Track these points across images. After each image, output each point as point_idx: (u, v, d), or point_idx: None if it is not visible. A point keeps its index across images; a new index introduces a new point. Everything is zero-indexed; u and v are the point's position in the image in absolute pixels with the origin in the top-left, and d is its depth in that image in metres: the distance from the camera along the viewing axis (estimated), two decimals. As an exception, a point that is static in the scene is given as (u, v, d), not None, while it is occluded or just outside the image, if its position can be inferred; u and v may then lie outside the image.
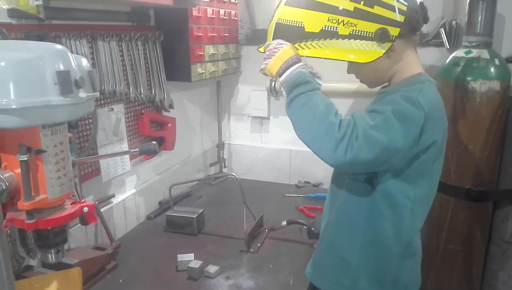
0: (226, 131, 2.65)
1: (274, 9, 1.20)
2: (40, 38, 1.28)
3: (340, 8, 1.08)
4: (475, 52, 1.78)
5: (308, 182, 2.40)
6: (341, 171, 1.21)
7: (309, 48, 1.12)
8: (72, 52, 0.86)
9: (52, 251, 0.89)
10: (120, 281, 1.45)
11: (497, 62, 1.76)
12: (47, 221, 0.81)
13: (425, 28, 2.01)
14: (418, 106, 1.03)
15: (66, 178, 0.83)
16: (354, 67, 1.21)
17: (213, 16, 2.04)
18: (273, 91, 2.40)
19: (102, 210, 1.63)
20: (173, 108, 1.92)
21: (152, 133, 1.94)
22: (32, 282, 1.13)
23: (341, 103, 2.09)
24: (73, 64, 0.78)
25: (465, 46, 1.82)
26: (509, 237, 1.86)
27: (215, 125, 2.54)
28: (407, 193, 1.13)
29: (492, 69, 1.75)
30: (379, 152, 1.00)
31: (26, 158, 0.74)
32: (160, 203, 2.05)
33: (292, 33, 1.13)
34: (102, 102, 1.65)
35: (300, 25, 1.12)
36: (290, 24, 1.13)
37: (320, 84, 1.10)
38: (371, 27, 1.07)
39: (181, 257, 1.50)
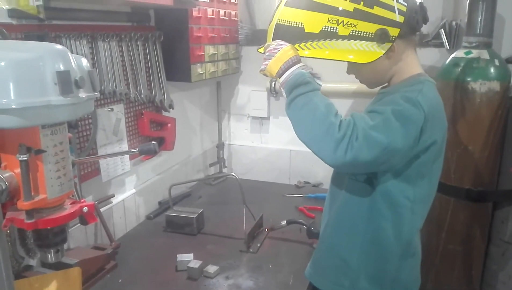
0: (226, 131, 2.65)
1: (274, 9, 1.20)
2: (40, 38, 1.28)
3: (340, 8, 1.08)
4: (475, 53, 1.78)
5: (308, 182, 2.40)
6: (341, 171, 1.21)
7: (309, 48, 1.12)
8: (72, 52, 0.86)
9: (52, 250, 0.89)
10: (120, 281, 1.45)
11: (497, 62, 1.77)
12: (46, 221, 0.82)
13: (425, 29, 2.02)
14: (418, 107, 1.03)
15: (66, 178, 0.83)
16: (353, 68, 1.21)
17: (213, 16, 2.04)
18: (273, 92, 2.40)
19: (101, 210, 1.63)
20: (173, 108, 1.92)
21: (152, 133, 1.94)
22: (32, 281, 1.14)
23: (341, 103, 2.09)
24: (73, 64, 0.78)
25: (465, 47, 1.83)
26: (509, 237, 1.86)
27: (215, 125, 2.54)
28: (407, 193, 1.13)
29: (492, 70, 1.75)
30: (379, 152, 1.00)
31: (26, 158, 0.74)
32: (159, 203, 2.05)
33: (292, 34, 1.13)
34: (102, 102, 1.65)
35: (300, 25, 1.12)
36: (290, 24, 1.13)
37: (320, 85, 1.10)
38: (371, 28, 1.07)
39: (181, 257, 1.50)
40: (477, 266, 1.95)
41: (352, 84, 2.15)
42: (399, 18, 1.07)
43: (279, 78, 1.11)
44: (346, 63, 1.19)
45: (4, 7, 1.20)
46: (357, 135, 0.99)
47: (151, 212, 1.96)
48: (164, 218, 1.82)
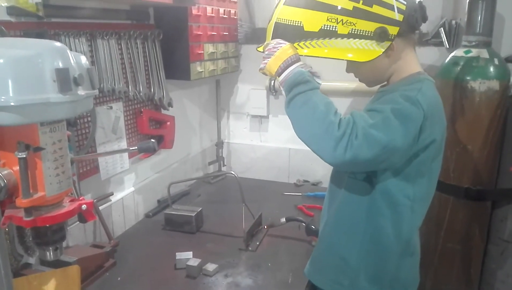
0: (225, 130, 2.65)
1: (273, 8, 1.20)
2: (39, 36, 1.28)
3: (339, 7, 1.08)
4: (474, 52, 1.78)
5: (307, 181, 2.40)
6: (341, 170, 1.21)
7: (308, 47, 1.12)
8: (71, 50, 0.85)
9: (50, 248, 0.89)
10: (119, 279, 1.45)
11: (496, 61, 1.77)
12: (45, 218, 0.82)
13: (424, 28, 2.03)
14: (417, 105, 1.03)
15: (65, 176, 0.83)
16: (353, 66, 1.21)
17: (213, 14, 2.04)
18: (272, 90, 2.40)
19: (100, 208, 1.63)
20: (172, 107, 1.92)
21: (151, 131, 1.94)
22: (30, 279, 1.14)
23: (340, 102, 2.09)
24: (72, 61, 0.78)
25: (465, 46, 1.83)
26: (508, 236, 1.86)
27: (214, 123, 2.54)
28: (407, 191, 1.13)
29: (492, 69, 1.75)
30: (379, 151, 1.00)
31: (24, 156, 0.74)
32: (158, 201, 2.05)
33: (291, 33, 1.13)
34: (101, 100, 1.65)
35: (299, 24, 1.12)
36: (289, 23, 1.13)
37: (319, 83, 1.10)
38: (370, 26, 1.07)
39: (180, 255, 1.50)
40: (476, 264, 1.95)
41: (351, 82, 2.15)
42: (398, 17, 1.07)
43: (279, 76, 1.11)
44: (345, 61, 1.19)
45: (3, 5, 1.20)
46: (356, 133, 0.99)
47: (150, 210, 1.96)
48: (163, 216, 1.82)
